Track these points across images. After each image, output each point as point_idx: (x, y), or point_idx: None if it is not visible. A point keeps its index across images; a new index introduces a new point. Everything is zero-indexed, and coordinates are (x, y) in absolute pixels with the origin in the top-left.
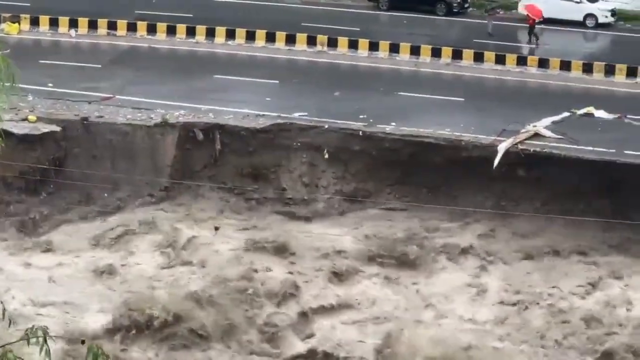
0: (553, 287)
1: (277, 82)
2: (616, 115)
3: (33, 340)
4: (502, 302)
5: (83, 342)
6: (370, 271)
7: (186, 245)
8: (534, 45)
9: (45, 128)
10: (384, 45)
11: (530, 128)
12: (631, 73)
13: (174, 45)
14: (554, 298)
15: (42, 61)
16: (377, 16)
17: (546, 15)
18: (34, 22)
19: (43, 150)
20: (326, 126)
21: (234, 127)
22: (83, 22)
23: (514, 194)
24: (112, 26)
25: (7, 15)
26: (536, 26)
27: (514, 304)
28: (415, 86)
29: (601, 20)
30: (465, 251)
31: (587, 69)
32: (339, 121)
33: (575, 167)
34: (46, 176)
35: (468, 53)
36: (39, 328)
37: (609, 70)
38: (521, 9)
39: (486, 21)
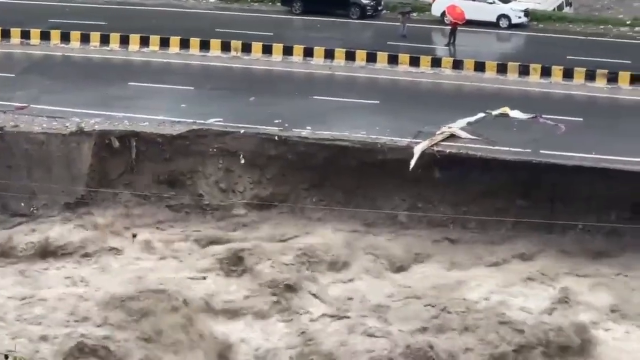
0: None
1: (192, 88)
2: (531, 115)
3: None
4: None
5: (6, 357)
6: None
7: (103, 253)
8: (452, 48)
9: None
10: (298, 49)
11: (446, 129)
12: (545, 73)
13: (88, 53)
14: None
15: None
16: (290, 20)
17: None
18: None
19: None
20: (242, 131)
21: (150, 134)
22: None
23: (431, 196)
24: (25, 35)
25: None
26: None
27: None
28: (330, 90)
29: (514, 20)
30: (385, 253)
31: (502, 69)
32: (254, 126)
33: (492, 167)
34: None
35: (382, 56)
36: None
37: (523, 71)
38: (435, 11)
39: (399, 24)
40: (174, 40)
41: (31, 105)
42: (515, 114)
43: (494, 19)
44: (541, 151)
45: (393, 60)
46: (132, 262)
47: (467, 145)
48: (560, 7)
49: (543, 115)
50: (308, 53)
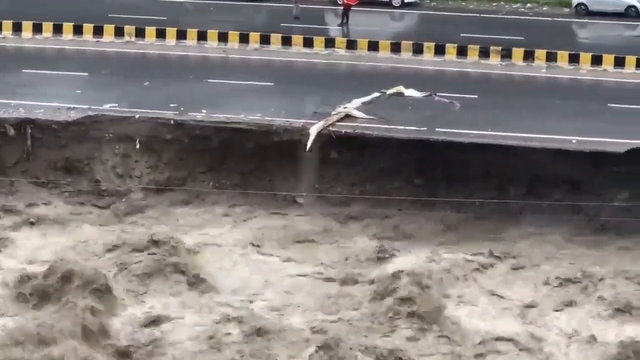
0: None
1: (86, 74)
2: (426, 94)
3: None
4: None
5: None
6: None
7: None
8: (345, 28)
9: None
10: (192, 33)
11: (341, 110)
12: (439, 51)
13: None
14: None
15: None
16: (183, 4)
17: None
18: None
19: None
20: (137, 116)
21: (45, 121)
22: None
23: (328, 176)
24: None
25: None
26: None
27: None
28: (225, 73)
29: None
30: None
31: (396, 48)
32: (149, 111)
33: (388, 146)
34: None
35: (276, 37)
36: None
37: (417, 49)
38: None
39: (292, 5)
40: (67, 26)
41: None
42: (410, 92)
43: None
44: (437, 129)
45: (287, 41)
46: (34, 250)
47: (362, 125)
48: None
49: (438, 93)
50: (202, 36)
